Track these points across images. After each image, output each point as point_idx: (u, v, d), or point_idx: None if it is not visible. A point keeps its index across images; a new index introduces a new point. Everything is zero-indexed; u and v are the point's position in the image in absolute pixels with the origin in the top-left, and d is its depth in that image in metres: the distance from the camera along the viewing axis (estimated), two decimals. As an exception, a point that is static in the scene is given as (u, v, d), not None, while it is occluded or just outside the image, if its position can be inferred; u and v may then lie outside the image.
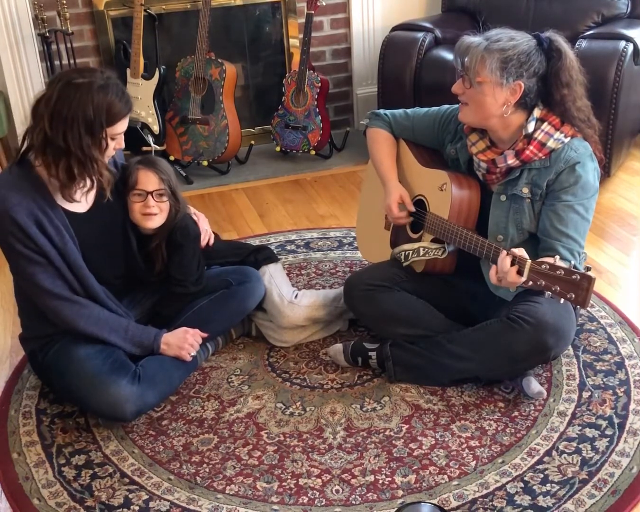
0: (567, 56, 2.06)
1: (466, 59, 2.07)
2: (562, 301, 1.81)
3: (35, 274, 2.05)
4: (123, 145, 2.10)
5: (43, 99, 1.98)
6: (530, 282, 1.86)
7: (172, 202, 2.26)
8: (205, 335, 2.34)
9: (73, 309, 2.11)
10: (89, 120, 1.95)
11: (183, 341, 2.26)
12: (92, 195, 2.17)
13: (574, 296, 1.77)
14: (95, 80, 1.98)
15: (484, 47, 2.04)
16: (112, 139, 2.03)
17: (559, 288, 1.79)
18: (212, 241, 2.46)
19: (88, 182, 2.05)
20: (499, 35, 2.07)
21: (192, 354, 2.28)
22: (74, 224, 2.09)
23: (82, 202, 2.13)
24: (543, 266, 1.83)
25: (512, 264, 1.90)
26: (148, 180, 2.22)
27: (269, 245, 3.04)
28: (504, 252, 1.93)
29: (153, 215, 2.23)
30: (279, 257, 2.72)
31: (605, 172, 3.40)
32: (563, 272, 1.79)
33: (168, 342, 2.25)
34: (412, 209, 2.35)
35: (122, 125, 2.04)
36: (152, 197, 2.22)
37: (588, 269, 1.79)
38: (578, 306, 1.85)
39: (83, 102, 1.95)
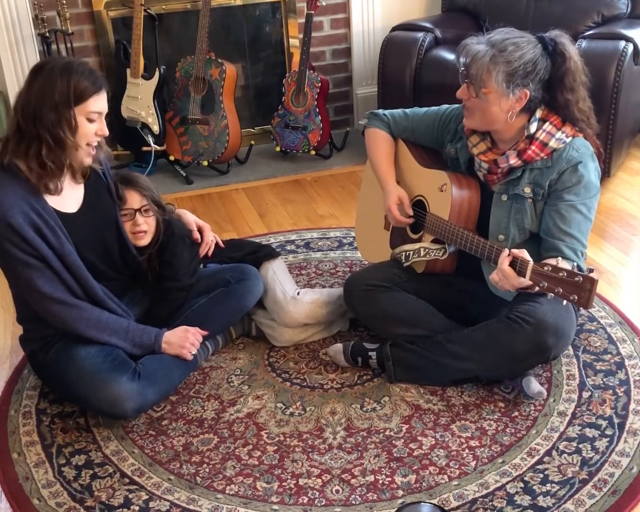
0: (571, 59, 2.03)
1: (472, 70, 2.04)
2: (564, 302, 1.81)
3: (33, 279, 2.03)
4: (106, 132, 2.08)
5: (18, 94, 2.04)
6: (533, 284, 1.85)
7: (158, 214, 2.34)
8: (205, 333, 2.34)
9: (73, 313, 2.10)
10: (53, 100, 1.97)
11: (184, 340, 2.26)
12: (80, 193, 2.16)
13: (576, 297, 1.76)
14: (60, 62, 2.03)
15: (489, 57, 2.01)
16: (89, 120, 2.02)
17: (561, 290, 1.79)
18: (211, 251, 2.49)
19: (58, 166, 2.03)
20: (504, 42, 2.02)
21: (193, 352, 2.28)
22: (66, 224, 2.08)
23: (71, 201, 2.13)
24: (545, 268, 1.82)
25: (513, 266, 1.90)
26: (132, 199, 2.30)
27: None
28: (505, 251, 1.93)
29: (142, 232, 2.30)
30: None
31: (605, 172, 3.40)
32: (566, 274, 1.78)
33: (169, 341, 2.25)
34: (410, 212, 2.34)
35: (94, 104, 2.02)
36: (140, 213, 2.29)
37: (591, 270, 1.79)
38: (580, 307, 1.84)
39: (47, 84, 1.98)
